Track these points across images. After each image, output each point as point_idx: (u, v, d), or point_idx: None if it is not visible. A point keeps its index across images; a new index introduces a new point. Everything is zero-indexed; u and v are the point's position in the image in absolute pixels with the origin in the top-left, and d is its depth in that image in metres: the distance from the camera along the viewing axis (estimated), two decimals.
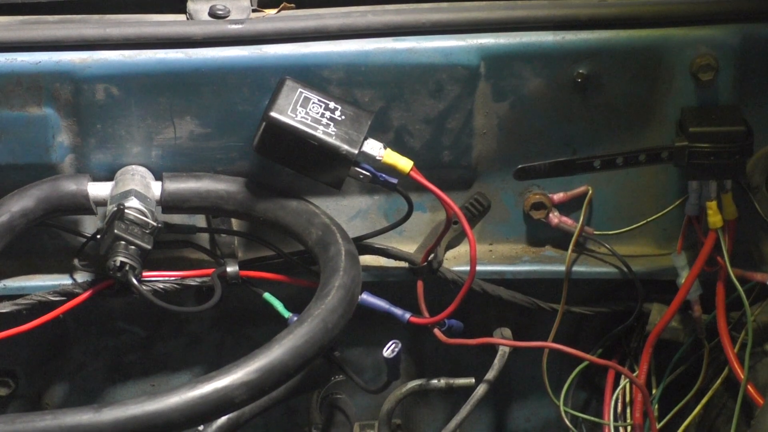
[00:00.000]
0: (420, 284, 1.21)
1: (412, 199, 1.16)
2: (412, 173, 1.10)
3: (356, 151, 1.08)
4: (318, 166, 1.09)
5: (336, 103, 1.09)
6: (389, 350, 1.08)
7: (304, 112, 1.08)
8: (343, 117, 1.09)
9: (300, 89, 1.09)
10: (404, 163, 1.10)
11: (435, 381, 1.20)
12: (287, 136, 1.08)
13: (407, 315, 1.13)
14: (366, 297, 1.12)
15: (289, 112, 1.08)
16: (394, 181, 1.11)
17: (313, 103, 1.09)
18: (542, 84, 1.14)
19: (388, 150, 1.10)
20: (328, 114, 1.09)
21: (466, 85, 1.13)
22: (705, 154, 1.14)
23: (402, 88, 1.13)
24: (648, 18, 1.12)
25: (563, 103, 1.16)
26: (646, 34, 1.13)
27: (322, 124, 1.08)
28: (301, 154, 1.09)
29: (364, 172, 1.09)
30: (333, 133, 1.08)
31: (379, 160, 1.09)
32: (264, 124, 1.08)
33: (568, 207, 1.21)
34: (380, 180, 1.10)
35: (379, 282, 1.18)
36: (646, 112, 1.16)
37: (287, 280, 1.17)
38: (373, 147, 1.09)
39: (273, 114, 1.08)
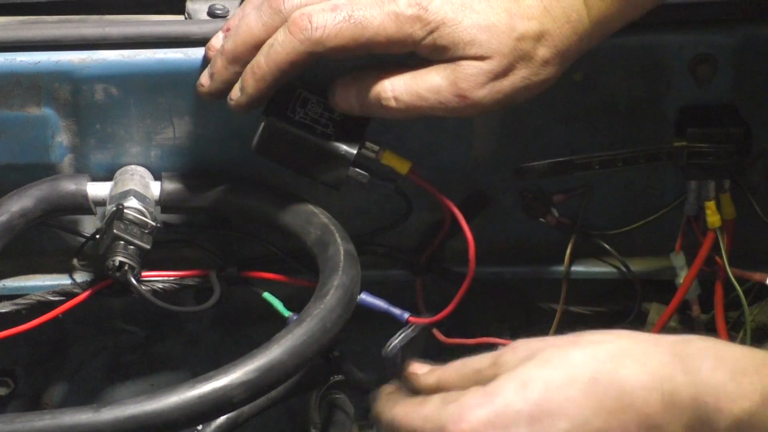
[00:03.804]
0: (419, 284, 1.21)
1: (412, 198, 1.16)
2: (410, 174, 1.10)
3: (355, 152, 1.08)
4: (317, 166, 1.09)
5: None
6: (391, 347, 1.08)
7: (303, 112, 1.08)
8: (342, 117, 1.08)
9: (299, 89, 1.09)
10: (402, 164, 1.10)
11: None
12: (286, 136, 1.08)
13: (406, 315, 1.13)
14: (365, 297, 1.12)
15: (287, 113, 1.08)
16: (393, 181, 1.11)
17: (312, 103, 1.09)
18: None
19: (387, 151, 1.10)
20: (327, 114, 1.09)
21: None
22: (703, 154, 1.14)
23: None
24: (646, 18, 1.12)
25: (562, 103, 1.16)
26: (645, 35, 1.13)
27: (321, 124, 1.08)
28: (299, 155, 1.09)
29: (362, 172, 1.09)
30: (332, 133, 1.08)
31: (378, 161, 1.10)
32: (262, 124, 1.08)
33: (567, 207, 1.21)
34: (379, 181, 1.10)
35: (378, 282, 1.18)
36: (645, 112, 1.16)
37: (287, 279, 1.17)
38: (372, 148, 1.09)
39: (271, 114, 1.08)
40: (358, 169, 1.09)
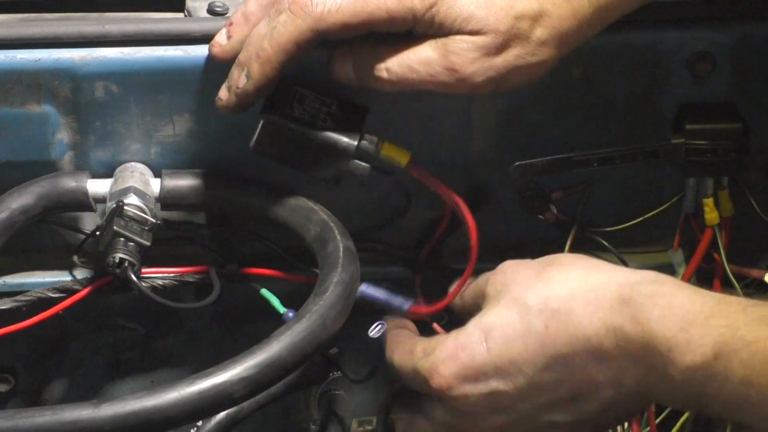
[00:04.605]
0: (418, 280, 1.21)
1: (412, 195, 1.16)
2: (410, 165, 1.10)
3: (355, 143, 1.08)
4: (318, 161, 1.09)
5: (332, 99, 1.09)
6: (375, 330, 1.07)
7: (301, 109, 1.09)
8: (339, 112, 1.09)
9: (296, 86, 1.09)
10: (402, 155, 1.10)
11: None
12: (285, 133, 1.08)
13: (406, 305, 1.13)
14: (365, 288, 1.12)
15: (286, 109, 1.08)
16: (392, 174, 1.11)
17: (310, 99, 1.09)
18: (539, 82, 1.14)
19: (386, 142, 1.10)
20: (324, 109, 1.09)
21: None
22: (702, 151, 1.14)
23: None
24: (645, 16, 1.12)
25: (561, 100, 1.16)
26: (643, 32, 1.13)
27: (320, 119, 1.08)
28: (299, 151, 1.09)
29: (364, 164, 1.09)
30: (331, 127, 1.08)
31: (377, 153, 1.09)
32: (261, 122, 1.08)
33: (565, 204, 1.21)
34: (379, 174, 1.10)
35: (377, 278, 1.18)
36: (643, 110, 1.17)
37: (286, 276, 1.18)
38: (371, 140, 1.09)
39: (269, 112, 1.08)
40: (359, 162, 1.09)
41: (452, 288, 1.13)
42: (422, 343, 1.04)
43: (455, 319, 1.18)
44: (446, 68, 1.04)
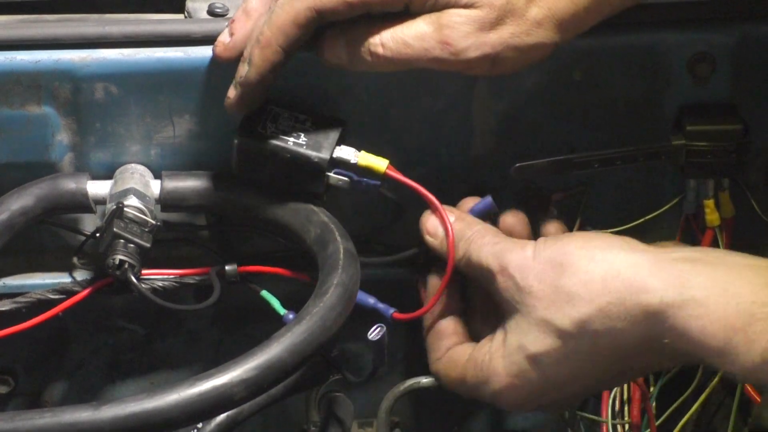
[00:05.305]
0: (420, 281, 1.21)
1: (412, 198, 1.16)
2: (389, 171, 1.09)
3: (327, 157, 1.08)
4: (296, 179, 1.09)
5: (306, 115, 1.10)
6: (374, 333, 1.07)
7: (274, 127, 1.08)
8: (313, 127, 1.09)
9: (270, 105, 1.09)
10: (379, 163, 1.09)
11: (432, 378, 1.20)
12: (260, 152, 1.08)
13: (390, 311, 1.13)
14: None
15: (258, 129, 1.08)
16: (378, 182, 1.10)
17: (283, 117, 1.09)
18: (540, 83, 1.15)
19: (363, 152, 1.09)
20: (298, 126, 1.09)
21: (464, 83, 1.14)
22: (702, 152, 1.14)
23: (400, 86, 1.13)
24: (645, 18, 1.12)
25: (561, 101, 1.16)
26: (644, 33, 1.13)
27: (293, 136, 1.08)
28: (277, 169, 1.09)
29: (342, 178, 1.09)
30: (304, 143, 1.08)
31: (355, 164, 1.09)
32: (235, 143, 1.08)
33: (565, 205, 1.21)
34: (363, 184, 1.10)
35: (378, 280, 1.18)
36: (644, 111, 1.17)
37: (287, 273, 1.17)
38: (347, 152, 1.09)
39: (242, 132, 1.08)
40: (337, 175, 1.09)
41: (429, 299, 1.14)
42: (470, 369, 1.07)
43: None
44: (440, 42, 1.03)
